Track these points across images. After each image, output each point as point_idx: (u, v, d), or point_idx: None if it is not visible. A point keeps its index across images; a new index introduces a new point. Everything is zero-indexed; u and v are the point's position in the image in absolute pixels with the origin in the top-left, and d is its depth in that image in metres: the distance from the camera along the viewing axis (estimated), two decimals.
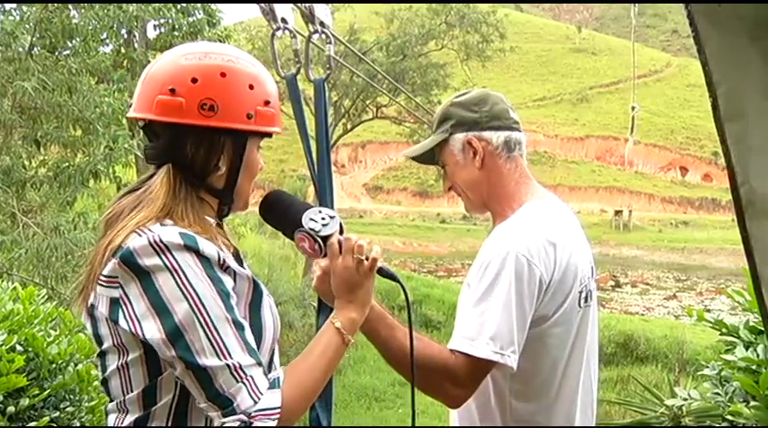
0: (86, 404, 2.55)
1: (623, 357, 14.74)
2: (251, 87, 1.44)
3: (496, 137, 1.90)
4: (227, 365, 1.30)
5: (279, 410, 1.33)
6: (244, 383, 1.31)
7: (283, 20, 1.79)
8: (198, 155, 1.43)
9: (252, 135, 1.47)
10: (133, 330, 1.30)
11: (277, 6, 1.79)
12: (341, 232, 1.53)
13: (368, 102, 24.83)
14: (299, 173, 45.15)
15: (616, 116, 57.69)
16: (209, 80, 1.40)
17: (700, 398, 3.18)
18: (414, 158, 2.07)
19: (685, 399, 3.29)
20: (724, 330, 3.04)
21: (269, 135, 1.51)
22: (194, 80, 1.39)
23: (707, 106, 1.17)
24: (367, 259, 1.50)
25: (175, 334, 1.29)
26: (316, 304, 1.78)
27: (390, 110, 26.03)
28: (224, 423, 1.30)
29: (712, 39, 1.14)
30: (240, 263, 1.48)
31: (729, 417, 2.69)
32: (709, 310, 3.32)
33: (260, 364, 1.35)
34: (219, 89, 1.40)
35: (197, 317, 1.29)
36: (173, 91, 1.39)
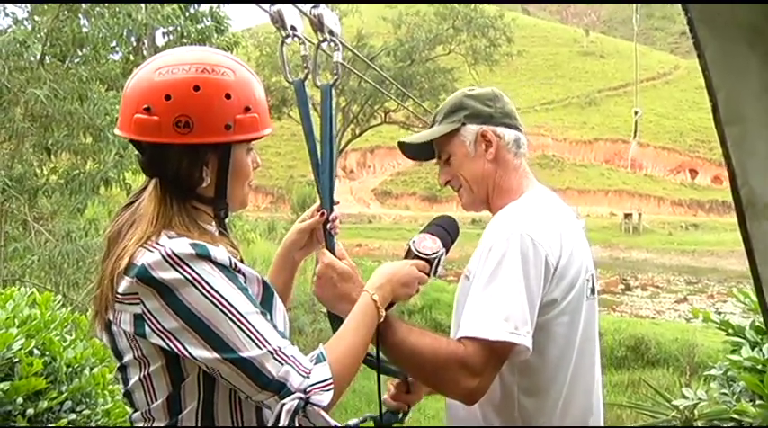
0: (102, 407, 2.58)
1: (634, 360, 14.68)
2: (228, 97, 1.41)
3: (508, 133, 1.91)
4: (269, 351, 1.33)
5: (331, 380, 1.37)
6: (289, 364, 1.34)
7: (293, 27, 1.80)
8: (181, 169, 1.42)
9: (235, 143, 1.47)
10: (172, 346, 1.33)
11: (286, 15, 1.79)
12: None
13: (376, 107, 24.89)
14: (308, 179, 45.15)
15: (625, 119, 57.42)
16: (182, 96, 1.38)
17: (707, 399, 3.19)
18: (408, 153, 2.04)
19: (693, 400, 3.30)
20: (730, 331, 3.06)
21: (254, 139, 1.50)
22: (168, 97, 1.37)
23: None
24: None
25: (213, 339, 1.32)
26: (326, 309, 1.81)
27: (398, 115, 26.07)
28: (284, 404, 1.32)
29: (711, 45, 1.17)
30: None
31: (736, 416, 2.70)
32: (720, 313, 3.32)
33: (293, 344, 1.39)
34: (193, 104, 1.38)
35: (228, 317, 1.32)
36: (148, 109, 1.38)
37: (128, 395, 1.45)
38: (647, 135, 55.39)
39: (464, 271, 1.84)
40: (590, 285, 1.82)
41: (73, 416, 2.41)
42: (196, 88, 1.39)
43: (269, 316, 1.41)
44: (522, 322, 1.61)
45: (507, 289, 1.63)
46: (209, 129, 1.40)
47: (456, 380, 1.63)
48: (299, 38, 1.82)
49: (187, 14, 10.45)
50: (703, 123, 57.35)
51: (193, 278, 1.33)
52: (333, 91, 1.84)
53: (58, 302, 2.84)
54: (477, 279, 1.70)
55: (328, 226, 1.75)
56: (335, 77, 1.84)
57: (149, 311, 1.33)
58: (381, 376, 1.78)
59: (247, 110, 1.44)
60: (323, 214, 1.76)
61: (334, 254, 1.73)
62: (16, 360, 2.31)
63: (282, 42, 1.81)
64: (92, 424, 2.49)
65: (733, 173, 1.18)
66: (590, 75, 72.20)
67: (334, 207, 1.78)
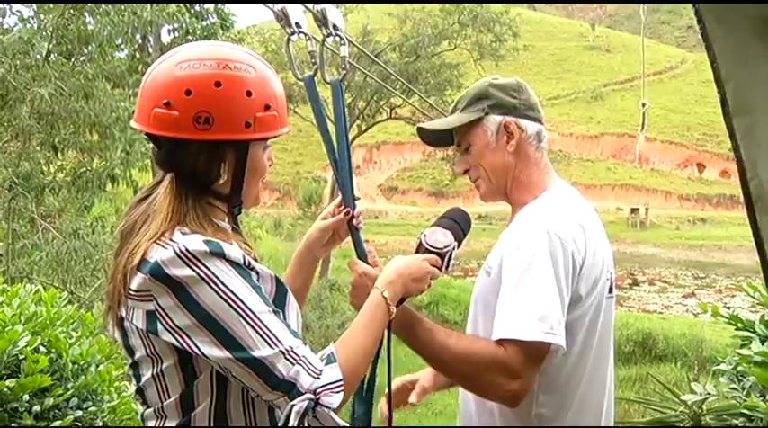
0: (108, 404, 2.59)
1: (641, 356, 14.69)
2: (249, 94, 1.39)
3: (531, 126, 1.90)
4: (281, 351, 1.33)
5: (342, 382, 1.37)
6: (300, 364, 1.34)
7: (297, 24, 1.80)
8: (198, 165, 1.41)
9: (254, 141, 1.45)
10: (183, 344, 1.33)
11: (290, 12, 1.80)
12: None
13: (382, 103, 24.83)
14: (314, 175, 45.20)
15: (631, 113, 57.17)
16: (203, 91, 1.36)
17: (716, 394, 3.17)
18: (427, 139, 2.03)
19: (702, 395, 3.28)
20: (740, 325, 3.04)
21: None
22: (188, 92, 1.36)
23: None
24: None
25: (225, 338, 1.31)
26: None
27: (404, 110, 26.00)
28: (293, 405, 1.31)
29: (720, 36, 1.15)
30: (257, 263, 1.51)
31: (746, 411, 2.68)
32: (729, 308, 3.31)
33: (305, 344, 1.38)
34: (214, 100, 1.36)
35: (240, 315, 1.32)
36: (167, 104, 1.36)
37: (140, 391, 1.45)
38: (653, 129, 55.13)
39: (484, 267, 1.84)
40: (609, 283, 1.83)
41: (79, 413, 2.42)
42: (217, 84, 1.37)
43: (281, 315, 1.40)
44: (557, 321, 1.62)
45: (540, 289, 1.64)
46: (229, 127, 1.38)
47: (497, 384, 1.63)
48: (305, 34, 1.82)
49: (192, 12, 10.47)
50: (711, 117, 57.05)
51: (206, 275, 1.32)
52: (342, 86, 1.84)
53: (64, 299, 2.85)
54: (507, 280, 1.70)
55: (354, 221, 1.77)
56: (344, 73, 1.85)
57: (162, 308, 1.33)
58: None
59: (267, 108, 1.43)
60: (348, 212, 1.77)
61: (363, 249, 1.76)
62: (22, 357, 2.31)
63: (288, 39, 1.82)
64: (98, 421, 2.49)
65: (742, 166, 1.17)
66: (596, 70, 71.90)
67: (356, 202, 1.79)
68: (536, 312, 1.62)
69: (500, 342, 1.64)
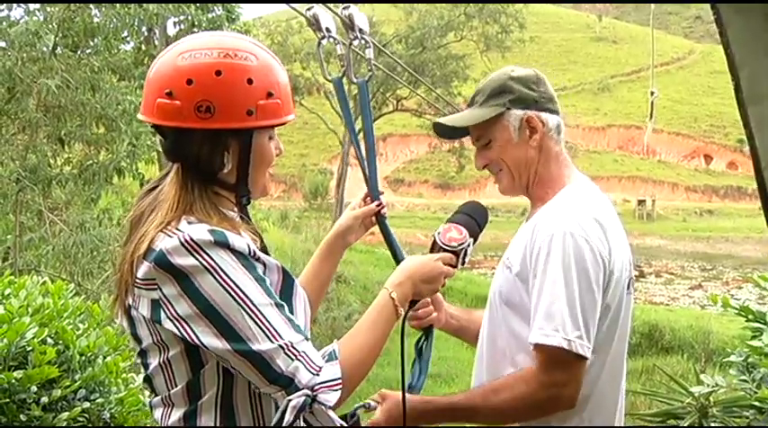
0: (115, 395, 2.59)
1: (648, 347, 14.62)
2: (250, 82, 1.40)
3: (551, 119, 1.88)
4: (280, 346, 1.33)
5: (340, 381, 1.37)
6: (299, 360, 1.34)
7: (327, 29, 1.92)
8: (202, 154, 1.42)
9: (257, 129, 1.46)
10: (183, 333, 1.33)
11: (321, 17, 1.92)
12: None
13: (388, 94, 24.79)
14: (320, 168, 45.18)
15: (638, 105, 56.97)
16: (204, 80, 1.37)
17: (726, 386, 3.15)
18: (439, 130, 2.00)
19: (711, 386, 3.27)
20: (750, 316, 3.02)
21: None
22: (189, 81, 1.37)
23: (732, 93, 1.16)
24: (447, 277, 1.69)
25: (226, 329, 1.31)
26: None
27: (410, 102, 25.96)
28: (290, 401, 1.31)
29: (734, 22, 1.14)
30: (266, 254, 1.50)
31: (756, 403, 2.66)
32: (736, 300, 3.29)
33: (308, 339, 1.39)
34: (215, 89, 1.38)
35: (242, 307, 1.32)
36: (170, 94, 1.37)
37: (148, 380, 1.46)
38: (660, 120, 54.86)
39: (504, 261, 1.83)
40: (628, 281, 1.81)
41: (86, 405, 2.42)
42: (218, 73, 1.38)
43: (286, 308, 1.40)
44: (586, 333, 1.63)
45: (571, 295, 1.64)
46: (230, 115, 1.39)
47: (550, 398, 1.65)
48: (334, 38, 1.94)
49: (198, 4, 10.43)
50: (718, 108, 56.81)
51: (210, 265, 1.32)
52: (367, 86, 1.96)
53: (71, 291, 2.85)
54: (538, 284, 1.69)
55: (382, 211, 1.90)
56: (369, 74, 1.96)
57: (166, 297, 1.33)
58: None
59: (270, 95, 1.43)
60: (380, 204, 1.89)
61: (391, 234, 1.91)
62: (29, 348, 2.32)
63: (319, 43, 1.96)
64: (105, 413, 2.50)
65: (756, 155, 1.15)
66: (603, 61, 71.57)
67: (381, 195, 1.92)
68: (573, 321, 1.62)
69: (540, 345, 1.65)
